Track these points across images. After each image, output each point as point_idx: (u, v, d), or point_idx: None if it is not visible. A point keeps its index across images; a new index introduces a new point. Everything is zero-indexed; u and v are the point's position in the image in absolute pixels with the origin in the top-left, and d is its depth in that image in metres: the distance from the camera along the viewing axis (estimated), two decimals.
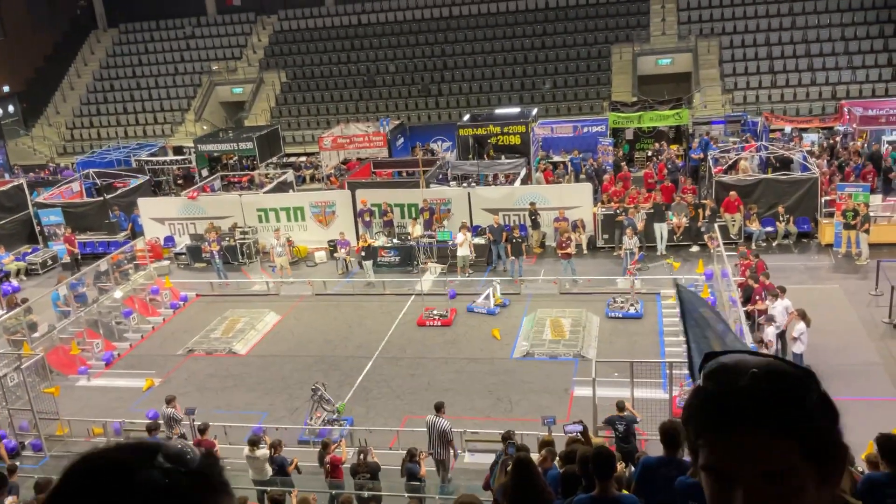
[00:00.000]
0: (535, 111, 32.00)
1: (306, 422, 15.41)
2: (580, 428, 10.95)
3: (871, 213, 21.40)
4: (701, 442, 1.39)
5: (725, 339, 8.29)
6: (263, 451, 12.98)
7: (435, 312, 20.02)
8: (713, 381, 1.41)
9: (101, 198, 28.28)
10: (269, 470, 13.05)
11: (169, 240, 26.54)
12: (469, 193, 24.62)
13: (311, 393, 15.39)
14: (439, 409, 13.35)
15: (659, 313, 19.20)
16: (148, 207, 27.18)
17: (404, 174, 29.46)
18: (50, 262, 26.47)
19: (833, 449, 1.36)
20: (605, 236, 23.63)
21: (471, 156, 28.98)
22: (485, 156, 28.70)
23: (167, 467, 1.26)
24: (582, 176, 29.14)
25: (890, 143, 27.83)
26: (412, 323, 20.01)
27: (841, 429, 1.39)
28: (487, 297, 20.16)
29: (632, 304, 19.38)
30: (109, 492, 1.21)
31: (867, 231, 20.94)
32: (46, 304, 21.11)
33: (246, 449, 13.07)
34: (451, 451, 13.32)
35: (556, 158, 31.09)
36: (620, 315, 19.20)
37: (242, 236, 25.26)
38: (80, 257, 25.89)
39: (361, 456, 12.49)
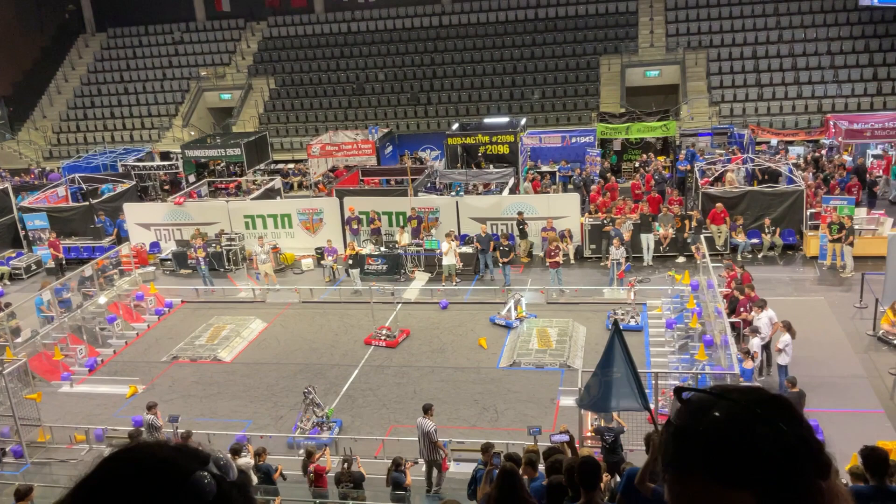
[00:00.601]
0: (523, 121, 32.08)
1: (296, 425, 15.37)
2: (566, 438, 10.93)
3: (856, 227, 21.55)
4: (665, 477, 1.37)
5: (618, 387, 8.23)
6: (246, 460, 12.88)
7: (383, 332, 19.32)
8: (680, 417, 1.37)
9: (87, 202, 28.11)
10: (253, 479, 12.94)
11: (154, 245, 26.39)
12: (457, 202, 24.64)
13: (303, 396, 15.38)
14: (426, 410, 13.48)
15: (644, 324, 19.23)
16: (134, 213, 27.03)
17: (392, 182, 29.46)
18: (34, 267, 26.29)
19: (804, 492, 1.31)
20: (593, 246, 23.69)
21: (459, 165, 29.02)
22: (473, 166, 28.72)
23: (217, 474, 1.25)
24: (570, 186, 29.22)
25: (875, 157, 28.12)
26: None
27: (824, 461, 1.33)
28: (510, 311, 19.75)
29: (632, 317, 19.24)
30: (159, 490, 1.18)
31: (851, 244, 21.08)
32: (30, 309, 20.96)
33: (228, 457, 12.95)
34: (441, 453, 13.33)
35: (545, 168, 31.17)
36: (622, 328, 18.98)
37: (229, 243, 25.16)
38: (64, 262, 25.71)
39: (346, 465, 12.45)
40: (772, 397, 1.39)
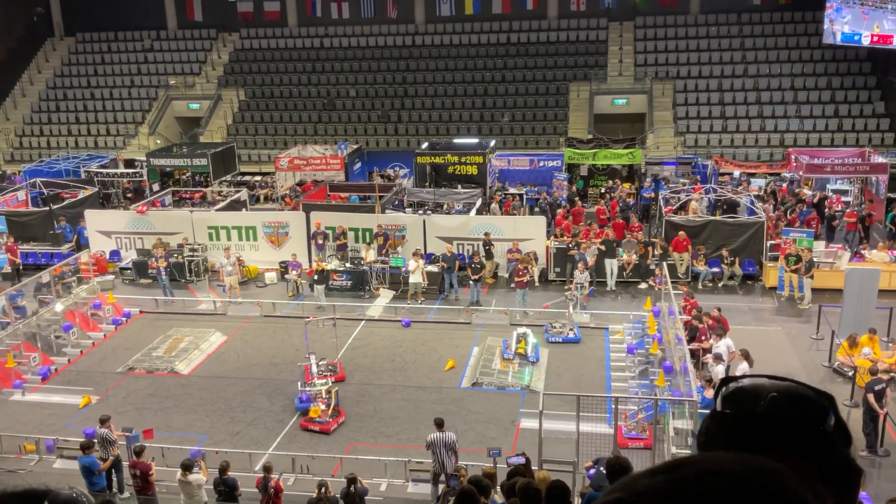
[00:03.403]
0: (492, 142, 32.29)
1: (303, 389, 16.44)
2: (523, 460, 10.94)
3: (815, 259, 21.97)
4: None
5: None
6: (197, 476, 12.63)
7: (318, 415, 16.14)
8: (731, 405, 1.39)
9: (47, 208, 27.61)
10: (203, 496, 12.72)
11: (115, 254, 25.97)
12: (424, 221, 24.66)
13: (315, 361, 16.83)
14: (441, 425, 13.38)
15: (606, 348, 19.36)
16: (95, 220, 26.60)
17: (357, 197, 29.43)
18: None
19: (849, 473, 1.35)
20: (557, 269, 23.84)
21: (427, 183, 29.09)
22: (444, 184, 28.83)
23: None
24: (536, 209, 29.44)
25: (834, 191, 28.78)
26: (361, 348, 19.85)
27: (852, 452, 1.39)
28: (511, 343, 18.67)
29: (570, 329, 19.73)
30: None
31: (812, 277, 21.47)
32: None
33: (178, 473, 12.72)
34: (454, 461, 13.28)
35: (512, 190, 31.37)
36: (560, 340, 19.51)
37: (191, 253, 24.85)
38: (21, 268, 25.17)
39: (322, 490, 12.18)
40: (811, 387, 1.44)
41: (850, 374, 16.83)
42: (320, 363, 17.38)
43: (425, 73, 41.63)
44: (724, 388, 1.45)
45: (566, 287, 23.00)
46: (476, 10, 43.66)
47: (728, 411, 1.40)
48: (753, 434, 1.34)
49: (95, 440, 13.74)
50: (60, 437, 15.50)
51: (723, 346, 16.31)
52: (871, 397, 14.11)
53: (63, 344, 20.32)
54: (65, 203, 28.51)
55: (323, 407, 15.91)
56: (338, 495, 12.33)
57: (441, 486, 13.14)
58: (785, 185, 30.27)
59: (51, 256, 25.79)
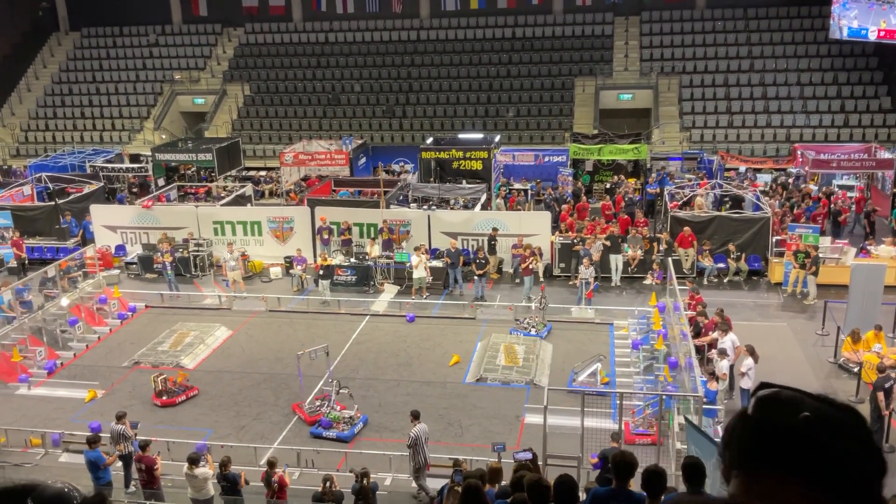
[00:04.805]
0: (497, 138, 32.24)
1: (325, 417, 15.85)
2: (529, 455, 10.93)
3: (820, 255, 21.89)
4: (735, 473, 1.31)
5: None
6: (203, 470, 12.67)
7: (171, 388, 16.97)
8: (762, 411, 1.33)
9: (53, 202, 27.67)
10: (210, 489, 12.76)
11: (120, 248, 26.02)
12: (428, 216, 24.65)
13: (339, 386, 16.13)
14: (419, 416, 13.56)
15: (611, 344, 19.33)
16: (100, 214, 26.65)
17: (359, 193, 29.45)
18: None
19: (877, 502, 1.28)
20: (562, 265, 23.82)
21: (432, 179, 29.08)
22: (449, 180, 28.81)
23: None
24: (540, 205, 29.39)
25: (840, 187, 28.71)
26: (366, 343, 19.87)
27: (883, 483, 1.31)
28: (594, 374, 17.12)
29: (534, 326, 19.80)
30: None
31: (815, 273, 21.40)
32: None
33: (185, 466, 12.75)
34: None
35: (517, 186, 31.32)
36: (522, 335, 19.62)
37: (196, 248, 24.88)
38: (27, 262, 25.24)
39: (327, 484, 12.20)
40: (846, 405, 1.36)
41: (856, 370, 16.79)
42: (342, 390, 16.25)
43: (430, 68, 41.56)
44: (760, 391, 1.39)
45: (570, 282, 23.01)
46: (481, 5, 43.57)
47: (756, 417, 1.35)
48: (774, 451, 1.28)
49: (101, 434, 13.76)
50: (66, 430, 15.55)
51: (728, 341, 16.29)
52: (880, 395, 14.04)
53: (69, 338, 20.38)
54: (70, 198, 28.57)
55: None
56: (343, 490, 12.34)
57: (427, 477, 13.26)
58: (755, 182, 30.19)
59: (56, 251, 25.84)
